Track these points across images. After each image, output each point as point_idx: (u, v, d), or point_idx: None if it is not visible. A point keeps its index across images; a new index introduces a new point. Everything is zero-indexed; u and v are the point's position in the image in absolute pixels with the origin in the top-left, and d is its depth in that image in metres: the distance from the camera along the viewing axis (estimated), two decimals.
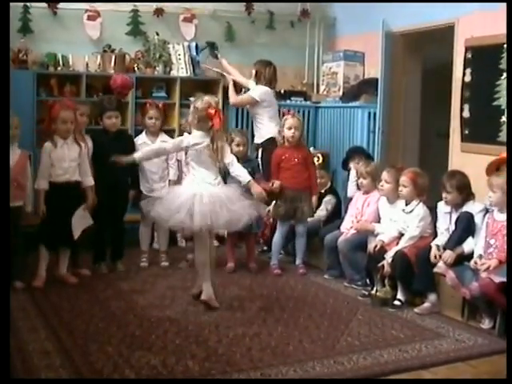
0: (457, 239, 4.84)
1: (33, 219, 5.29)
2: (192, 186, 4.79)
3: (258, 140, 6.70)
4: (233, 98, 6.94)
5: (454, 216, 4.97)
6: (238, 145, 5.96)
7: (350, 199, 5.99)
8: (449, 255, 4.76)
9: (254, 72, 6.81)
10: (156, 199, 4.88)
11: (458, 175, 5.03)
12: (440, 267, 4.79)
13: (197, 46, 7.55)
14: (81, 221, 5.32)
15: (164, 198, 4.84)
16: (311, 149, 6.97)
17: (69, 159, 5.28)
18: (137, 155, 5.09)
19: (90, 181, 5.40)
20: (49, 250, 5.34)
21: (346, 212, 5.98)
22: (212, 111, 4.77)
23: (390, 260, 5.02)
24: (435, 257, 4.84)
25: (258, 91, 6.70)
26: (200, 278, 4.89)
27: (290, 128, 5.98)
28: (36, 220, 5.28)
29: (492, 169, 4.95)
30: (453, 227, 4.95)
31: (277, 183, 5.93)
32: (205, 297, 4.79)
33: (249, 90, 6.90)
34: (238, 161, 5.67)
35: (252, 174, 5.88)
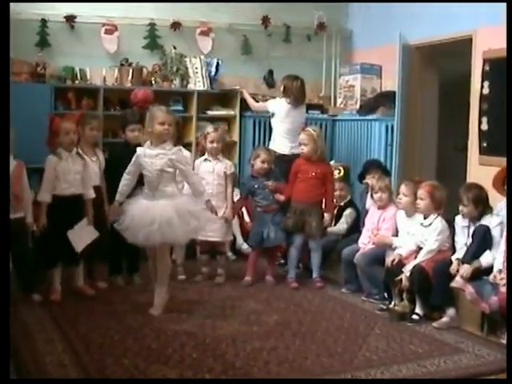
0: (473, 253, 4.79)
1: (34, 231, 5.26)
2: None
3: (282, 150, 6.64)
4: (252, 104, 7.14)
5: (472, 230, 4.93)
6: (262, 162, 5.97)
7: (367, 212, 5.96)
8: (465, 269, 4.72)
9: (282, 88, 6.79)
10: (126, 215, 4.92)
11: (475, 188, 4.99)
12: (457, 282, 4.74)
13: (218, 64, 7.57)
14: (82, 234, 5.24)
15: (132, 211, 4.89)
16: (332, 162, 6.95)
17: (74, 172, 5.23)
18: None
19: (90, 193, 5.34)
20: (49, 267, 5.29)
21: (363, 226, 5.94)
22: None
23: (408, 274, 4.98)
24: (456, 271, 4.80)
25: (272, 103, 6.80)
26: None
27: (300, 144, 6.04)
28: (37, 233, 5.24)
29: (499, 182, 4.90)
30: (470, 240, 4.91)
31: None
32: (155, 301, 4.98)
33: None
34: (262, 177, 5.88)
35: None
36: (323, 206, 6.05)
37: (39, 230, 5.17)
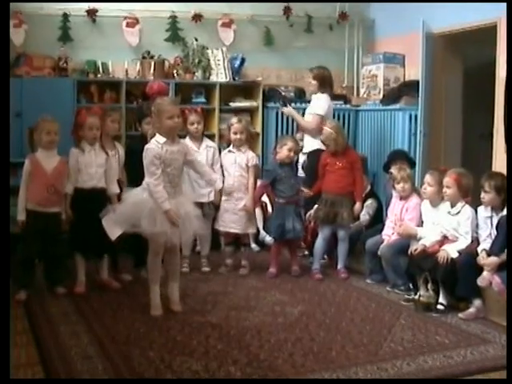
0: (501, 244, 4.71)
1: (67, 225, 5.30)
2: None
3: (305, 149, 6.55)
4: (304, 123, 6.63)
5: (495, 220, 4.87)
6: (289, 150, 5.93)
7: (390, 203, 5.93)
8: (493, 261, 4.66)
9: (314, 81, 6.56)
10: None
11: (497, 176, 4.95)
12: (484, 279, 4.68)
13: (243, 59, 7.55)
14: (115, 223, 5.27)
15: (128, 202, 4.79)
16: None
17: (96, 165, 5.26)
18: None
19: (115, 188, 5.36)
20: (84, 256, 5.34)
21: (387, 217, 5.91)
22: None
23: (455, 256, 4.91)
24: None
25: (321, 105, 6.48)
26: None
27: (322, 143, 6.11)
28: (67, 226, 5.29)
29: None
30: (494, 232, 4.85)
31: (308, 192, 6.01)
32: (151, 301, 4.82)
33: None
34: (287, 165, 5.81)
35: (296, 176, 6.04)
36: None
37: (66, 222, 5.22)
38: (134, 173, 5.52)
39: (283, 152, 5.92)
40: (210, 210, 5.96)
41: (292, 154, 5.95)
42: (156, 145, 4.65)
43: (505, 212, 4.81)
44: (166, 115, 4.63)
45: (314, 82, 6.58)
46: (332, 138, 5.94)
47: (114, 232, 5.07)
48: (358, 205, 5.96)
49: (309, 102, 7.46)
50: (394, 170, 5.86)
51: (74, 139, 5.32)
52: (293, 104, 7.58)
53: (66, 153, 5.26)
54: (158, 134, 4.70)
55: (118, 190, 5.38)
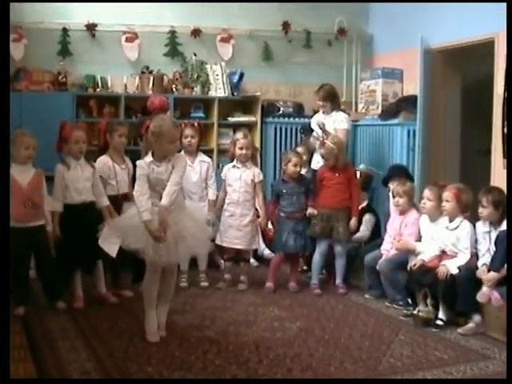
0: (501, 260, 4.70)
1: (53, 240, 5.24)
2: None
3: (314, 165, 6.52)
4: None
5: (494, 235, 4.87)
6: (295, 165, 5.94)
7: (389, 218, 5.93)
8: (493, 277, 4.66)
9: (324, 102, 6.56)
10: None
11: (495, 191, 4.97)
12: (483, 294, 4.68)
13: (242, 74, 7.57)
14: (111, 240, 5.22)
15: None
16: (361, 166, 6.89)
17: (83, 180, 5.22)
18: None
19: (105, 201, 5.33)
20: (69, 273, 5.27)
21: (385, 232, 5.90)
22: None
23: (455, 272, 4.90)
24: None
25: (347, 121, 6.60)
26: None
27: (322, 157, 6.09)
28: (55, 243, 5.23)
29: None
30: (493, 247, 4.84)
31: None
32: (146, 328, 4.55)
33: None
34: (293, 181, 5.87)
35: (305, 193, 6.00)
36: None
37: (55, 239, 5.17)
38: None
39: (289, 168, 5.93)
40: None
41: (298, 168, 5.96)
42: (144, 164, 4.44)
43: (503, 227, 4.81)
44: (168, 139, 4.39)
45: (326, 103, 6.58)
46: (333, 154, 5.93)
47: (111, 249, 5.05)
48: (353, 220, 5.94)
49: (307, 117, 7.53)
50: (391, 184, 5.88)
51: (58, 153, 5.25)
52: (291, 119, 7.64)
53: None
54: (149, 152, 4.47)
55: (107, 203, 5.33)
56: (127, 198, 5.52)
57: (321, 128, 6.33)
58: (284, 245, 5.90)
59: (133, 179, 5.55)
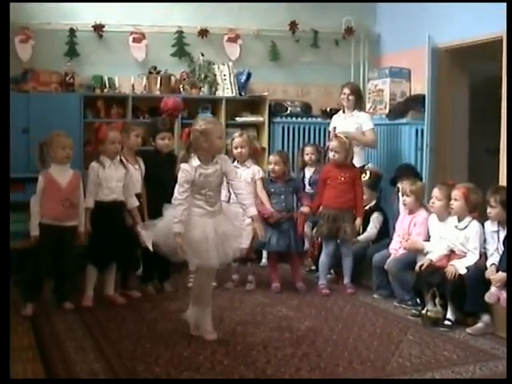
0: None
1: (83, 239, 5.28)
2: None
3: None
4: (366, 139, 6.71)
5: (502, 234, 4.85)
6: (274, 163, 5.98)
7: (398, 217, 5.91)
8: (502, 277, 4.64)
9: (352, 96, 6.66)
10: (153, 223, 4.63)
11: (503, 190, 4.94)
12: (491, 295, 4.66)
13: (249, 74, 7.57)
14: (148, 234, 5.22)
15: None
16: (369, 164, 6.87)
17: (116, 179, 5.32)
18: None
19: (134, 202, 5.43)
20: (98, 269, 5.37)
21: (394, 231, 5.88)
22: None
23: (463, 272, 4.88)
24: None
25: (370, 119, 6.74)
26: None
27: (331, 150, 5.98)
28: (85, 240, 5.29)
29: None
30: (501, 246, 4.82)
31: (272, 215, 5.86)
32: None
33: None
34: (280, 181, 5.86)
35: (296, 193, 6.03)
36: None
37: (85, 236, 5.24)
38: (148, 188, 5.57)
39: (269, 168, 6.04)
40: None
41: (276, 167, 5.95)
42: (191, 168, 4.40)
43: None
44: (217, 134, 4.44)
45: (351, 97, 6.66)
46: (345, 148, 5.90)
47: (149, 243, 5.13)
48: (358, 220, 5.92)
49: (314, 117, 7.53)
50: (400, 183, 5.86)
51: (92, 154, 5.41)
52: (299, 118, 7.63)
53: (73, 167, 5.29)
54: (194, 157, 4.44)
55: (137, 203, 5.44)
56: (140, 198, 5.56)
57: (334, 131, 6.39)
58: (268, 243, 5.88)
59: (144, 178, 5.61)
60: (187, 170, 4.40)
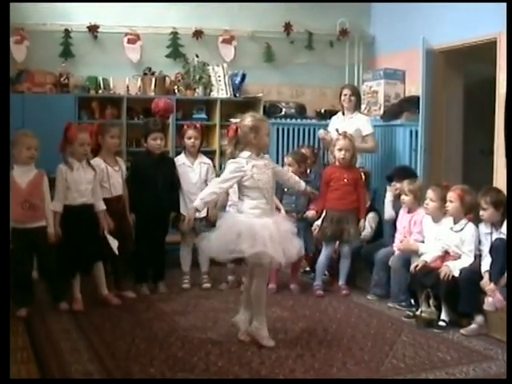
0: (499, 271, 4.66)
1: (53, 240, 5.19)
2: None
3: None
4: (368, 146, 6.73)
5: (495, 236, 4.85)
6: (289, 165, 5.92)
7: (391, 221, 5.93)
8: (493, 289, 4.64)
9: (353, 97, 6.70)
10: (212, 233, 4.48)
11: (492, 191, 4.96)
12: (490, 305, 4.66)
13: (244, 76, 7.58)
14: (113, 242, 5.29)
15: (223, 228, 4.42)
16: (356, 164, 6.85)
17: (85, 182, 5.23)
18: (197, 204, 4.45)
19: (102, 205, 5.34)
20: (69, 275, 5.28)
21: (391, 230, 5.89)
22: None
23: (457, 274, 4.88)
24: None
25: (369, 123, 6.75)
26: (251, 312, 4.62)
27: (340, 149, 5.90)
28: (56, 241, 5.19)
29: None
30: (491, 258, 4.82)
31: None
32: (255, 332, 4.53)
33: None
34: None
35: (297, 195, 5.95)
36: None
37: (55, 239, 5.15)
38: (139, 189, 5.54)
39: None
40: (202, 225, 5.79)
41: (291, 168, 5.91)
42: (241, 160, 4.42)
43: (503, 228, 4.78)
44: (266, 131, 4.53)
45: (353, 98, 6.70)
46: (351, 146, 5.90)
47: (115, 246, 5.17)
48: (362, 222, 5.94)
49: (308, 118, 7.54)
50: (398, 183, 5.85)
51: (61, 154, 5.27)
52: (293, 120, 7.63)
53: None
54: (243, 151, 4.46)
55: (104, 207, 5.35)
56: (121, 200, 5.53)
57: (337, 131, 6.35)
58: None
59: (127, 181, 5.58)
60: (237, 161, 4.43)
